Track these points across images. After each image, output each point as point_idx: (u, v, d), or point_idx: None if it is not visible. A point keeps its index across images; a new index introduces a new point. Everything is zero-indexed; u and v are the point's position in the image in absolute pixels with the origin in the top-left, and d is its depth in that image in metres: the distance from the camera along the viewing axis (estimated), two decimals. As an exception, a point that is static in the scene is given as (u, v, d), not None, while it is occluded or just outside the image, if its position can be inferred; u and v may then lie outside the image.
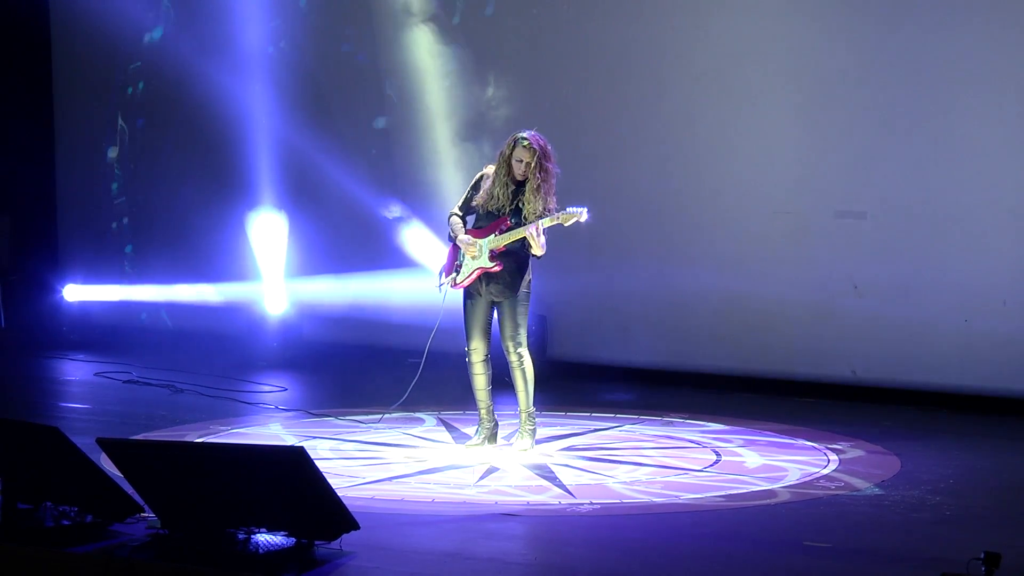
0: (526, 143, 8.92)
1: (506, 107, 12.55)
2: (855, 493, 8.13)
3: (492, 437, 9.27)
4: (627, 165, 12.15)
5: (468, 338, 9.14)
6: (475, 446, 9.23)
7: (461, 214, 9.16)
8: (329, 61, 13.51)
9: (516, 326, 9.06)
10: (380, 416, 10.12)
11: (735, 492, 8.10)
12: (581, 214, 8.87)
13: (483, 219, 9.07)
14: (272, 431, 9.90)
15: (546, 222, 8.86)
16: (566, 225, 8.91)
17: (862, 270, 11.30)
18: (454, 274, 9.10)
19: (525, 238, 8.87)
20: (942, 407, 10.90)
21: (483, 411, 9.26)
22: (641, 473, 8.60)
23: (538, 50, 12.52)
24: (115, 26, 13.92)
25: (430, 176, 12.94)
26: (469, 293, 9.11)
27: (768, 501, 7.91)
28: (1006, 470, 9.02)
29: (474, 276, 9.04)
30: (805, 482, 8.38)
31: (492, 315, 9.14)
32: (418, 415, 10.30)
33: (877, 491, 8.17)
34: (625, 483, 8.31)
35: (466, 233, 9.08)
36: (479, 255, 8.99)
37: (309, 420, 10.29)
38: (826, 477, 8.51)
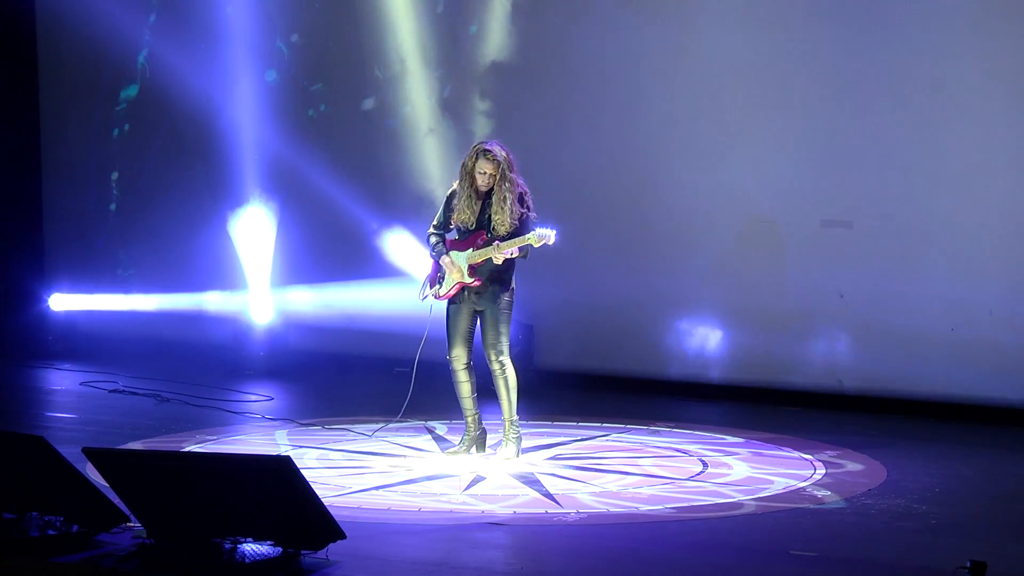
0: (489, 155, 8.95)
1: (492, 119, 12.55)
2: (841, 502, 8.13)
3: (480, 445, 9.28)
4: (612, 174, 12.15)
5: (449, 346, 9.19)
6: (455, 453, 9.26)
7: (440, 232, 9.20)
8: (317, 72, 13.50)
9: (498, 334, 9.08)
10: (380, 425, 10.11)
11: (698, 504, 8.08)
12: (550, 237, 8.87)
13: (462, 233, 9.11)
14: (277, 439, 9.91)
15: (514, 243, 8.88)
16: (536, 246, 8.92)
17: (848, 279, 11.31)
18: (437, 286, 9.16)
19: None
20: (928, 416, 10.91)
21: (468, 419, 9.27)
22: (617, 484, 8.58)
23: (523, 63, 12.53)
24: (102, 32, 13.88)
25: (416, 186, 12.94)
26: (452, 300, 9.16)
27: (734, 512, 7.90)
28: (992, 479, 9.03)
29: (455, 290, 9.10)
30: (791, 491, 8.39)
31: (475, 323, 9.18)
32: (430, 423, 10.31)
33: (863, 500, 8.17)
34: (593, 493, 8.31)
35: (446, 246, 9.12)
36: (459, 271, 9.03)
37: (320, 429, 10.25)
38: (812, 486, 8.51)
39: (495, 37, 12.63)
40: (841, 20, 11.23)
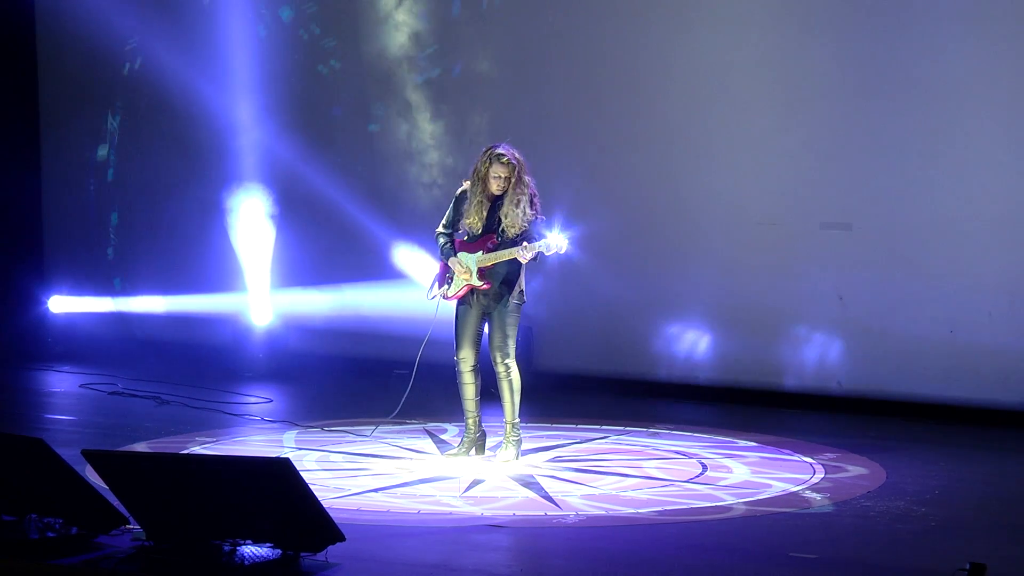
0: (504, 159, 8.92)
1: (490, 117, 12.56)
2: (840, 504, 8.13)
3: (480, 448, 9.28)
4: (612, 176, 12.16)
5: (457, 347, 9.18)
6: (455, 455, 9.26)
7: (448, 232, 9.19)
8: (316, 73, 13.50)
9: (505, 336, 9.08)
10: (373, 428, 10.11)
11: (689, 507, 8.08)
12: (562, 247, 8.87)
13: (471, 236, 9.09)
14: (284, 441, 9.91)
15: (537, 247, 8.86)
16: (548, 254, 8.92)
17: (847, 281, 11.32)
18: (446, 286, 9.15)
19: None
20: (927, 418, 10.91)
21: (470, 421, 9.27)
22: (614, 487, 8.58)
23: (523, 61, 12.54)
24: (102, 33, 13.89)
25: (416, 187, 12.94)
26: (461, 301, 9.16)
27: (725, 516, 7.89)
28: (991, 481, 9.03)
29: (463, 291, 9.09)
30: (787, 495, 8.38)
31: (483, 325, 9.17)
32: (437, 427, 10.32)
33: (862, 502, 8.18)
34: (589, 496, 8.31)
35: (455, 247, 9.11)
36: (469, 273, 9.01)
37: (329, 432, 10.25)
38: (810, 489, 8.51)
39: (492, 38, 12.63)
40: (842, 22, 11.24)
